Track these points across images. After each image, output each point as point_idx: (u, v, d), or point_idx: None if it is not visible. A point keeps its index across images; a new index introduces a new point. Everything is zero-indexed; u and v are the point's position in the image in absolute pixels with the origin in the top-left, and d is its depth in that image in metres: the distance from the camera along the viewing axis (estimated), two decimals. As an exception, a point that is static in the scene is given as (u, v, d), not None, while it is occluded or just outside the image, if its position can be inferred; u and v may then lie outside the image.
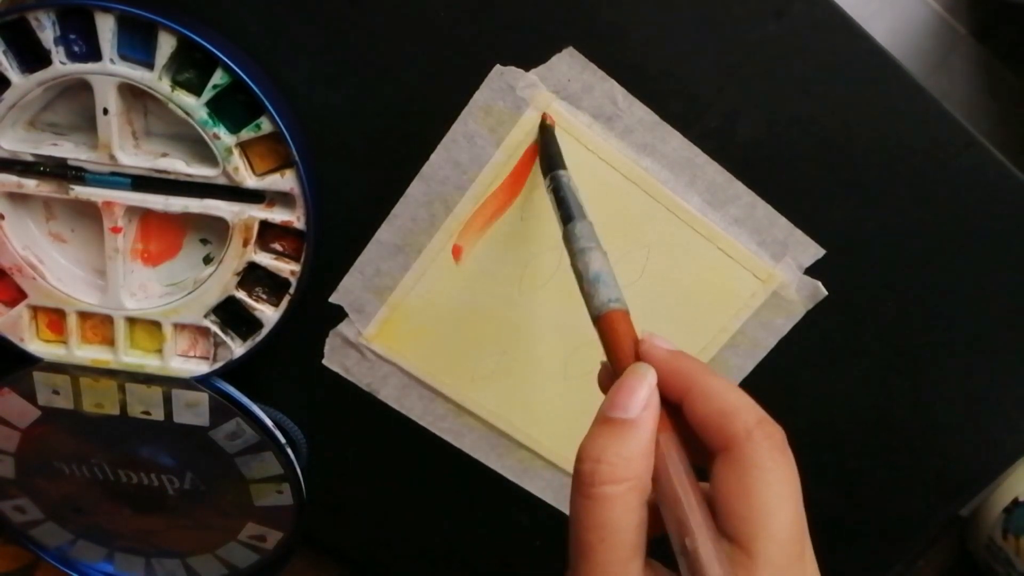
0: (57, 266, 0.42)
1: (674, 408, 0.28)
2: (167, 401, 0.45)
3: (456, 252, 0.44)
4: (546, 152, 0.41)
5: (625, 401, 0.27)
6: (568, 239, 0.34)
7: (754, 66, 0.42)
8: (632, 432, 0.26)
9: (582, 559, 0.26)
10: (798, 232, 0.45)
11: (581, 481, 0.26)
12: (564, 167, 0.39)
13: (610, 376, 0.29)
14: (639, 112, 0.42)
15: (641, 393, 0.27)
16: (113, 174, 0.40)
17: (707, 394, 0.27)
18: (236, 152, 0.39)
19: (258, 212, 0.41)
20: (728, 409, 0.26)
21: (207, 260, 0.44)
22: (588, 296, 0.31)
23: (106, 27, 0.36)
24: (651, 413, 0.27)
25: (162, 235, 0.43)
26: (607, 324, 0.30)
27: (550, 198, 0.37)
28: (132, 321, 0.43)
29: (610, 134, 0.43)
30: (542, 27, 0.41)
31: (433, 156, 0.43)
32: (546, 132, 0.42)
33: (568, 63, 0.41)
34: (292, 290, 0.42)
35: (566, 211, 0.35)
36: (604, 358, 0.30)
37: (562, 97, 0.42)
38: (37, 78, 0.37)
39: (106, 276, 0.42)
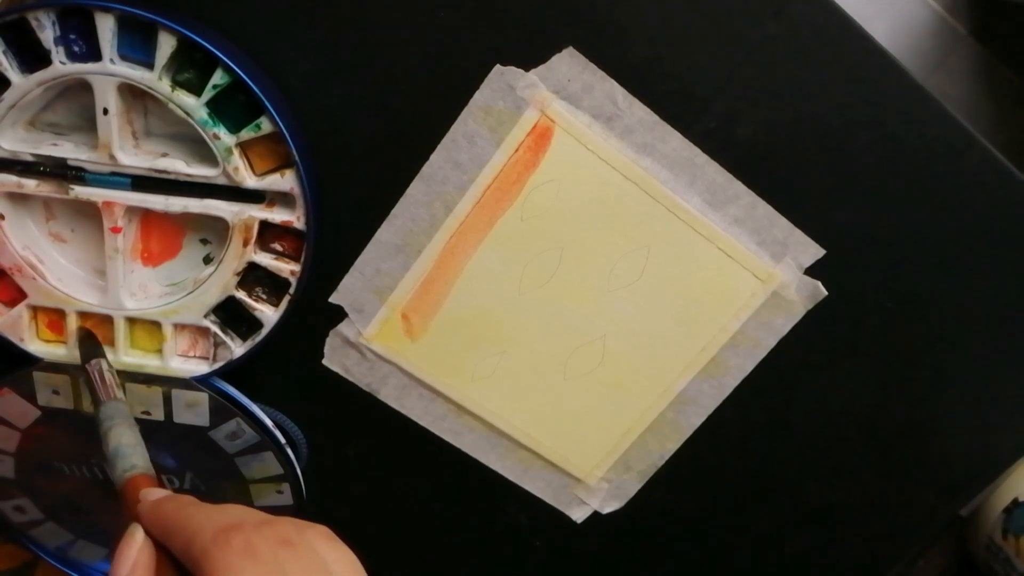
0: (57, 266, 0.42)
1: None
2: (167, 401, 0.45)
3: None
4: (83, 344, 0.43)
5: (118, 568, 0.29)
6: (96, 419, 0.38)
7: (754, 66, 0.42)
8: None
9: None
10: (798, 232, 0.45)
11: None
12: (103, 355, 0.42)
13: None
14: (639, 112, 0.42)
15: (129, 554, 0.29)
16: (113, 174, 0.40)
17: (178, 527, 0.29)
18: (236, 152, 0.39)
19: (258, 212, 0.41)
20: (189, 534, 0.28)
21: (207, 260, 0.44)
22: (110, 468, 0.35)
23: (106, 27, 0.36)
24: (141, 568, 0.29)
25: (162, 235, 0.43)
26: (123, 493, 0.33)
27: (85, 385, 0.41)
28: (132, 321, 0.43)
29: (610, 134, 0.43)
30: (542, 27, 0.41)
31: (433, 156, 0.43)
32: (79, 332, 0.44)
33: (568, 63, 0.41)
34: (292, 290, 0.42)
35: (95, 395, 0.39)
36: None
37: (562, 97, 0.42)
38: (37, 78, 0.37)
39: (106, 276, 0.42)
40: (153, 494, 0.32)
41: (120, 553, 0.30)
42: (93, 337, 0.43)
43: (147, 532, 0.30)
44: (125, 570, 0.29)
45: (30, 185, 0.40)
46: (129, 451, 0.35)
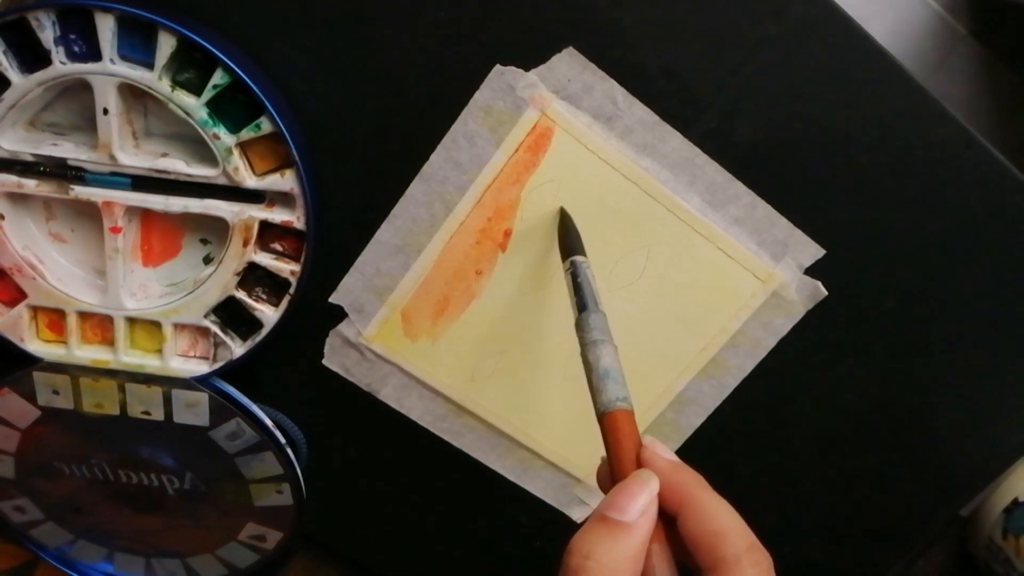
0: (57, 266, 0.42)
1: (668, 519, 0.28)
2: (167, 401, 0.45)
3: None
4: (567, 237, 0.41)
5: (624, 504, 0.27)
6: (581, 328, 0.34)
7: (754, 66, 0.42)
8: (626, 535, 0.27)
9: None
10: (798, 232, 0.45)
11: (567, 574, 0.27)
12: (584, 254, 0.39)
13: (606, 476, 0.30)
14: (639, 112, 0.42)
15: (641, 499, 0.27)
16: (113, 174, 0.40)
17: (702, 512, 0.28)
18: (236, 152, 0.39)
19: (258, 212, 0.41)
20: (720, 531, 0.27)
21: (207, 260, 0.44)
22: (596, 390, 0.31)
23: (106, 27, 0.36)
24: (647, 520, 0.27)
25: (162, 235, 0.43)
26: (612, 423, 0.30)
27: (568, 282, 0.37)
28: (132, 321, 0.43)
29: (610, 134, 0.43)
30: (542, 27, 0.41)
31: (433, 156, 0.43)
32: (567, 219, 0.43)
33: (568, 63, 0.41)
34: (292, 290, 0.42)
35: (582, 299, 0.36)
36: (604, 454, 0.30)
37: (562, 97, 0.42)
38: (37, 78, 0.37)
39: (106, 276, 0.42)
40: (663, 451, 0.29)
41: (630, 492, 0.27)
42: (575, 231, 0.41)
43: None
44: (636, 511, 0.27)
45: (30, 185, 0.40)
46: (620, 378, 0.32)
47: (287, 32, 0.40)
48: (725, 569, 0.26)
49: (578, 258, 0.38)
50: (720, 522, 0.27)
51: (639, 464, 0.29)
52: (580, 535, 0.27)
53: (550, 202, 0.44)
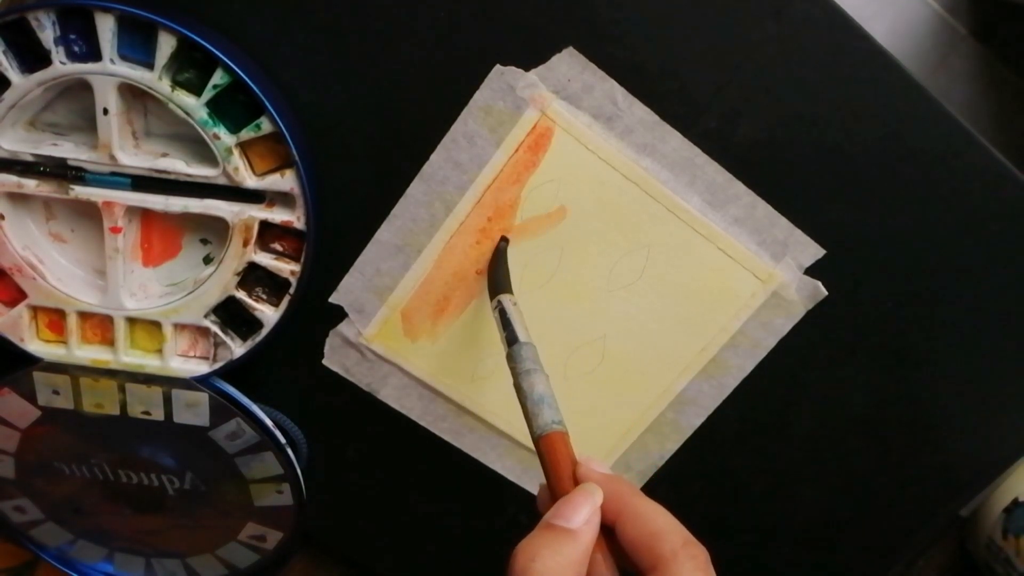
0: (57, 266, 0.42)
1: (606, 529, 0.30)
2: (167, 401, 0.45)
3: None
4: (494, 275, 0.43)
5: (569, 513, 0.29)
6: (513, 360, 0.36)
7: (754, 66, 0.42)
8: (570, 541, 0.28)
9: None
10: (798, 232, 0.45)
11: None
12: (511, 291, 0.41)
13: (547, 496, 0.31)
14: (639, 112, 0.42)
15: (584, 509, 0.29)
16: (113, 174, 0.40)
17: (638, 517, 0.29)
18: (236, 152, 0.39)
19: (258, 212, 0.41)
20: (657, 531, 0.29)
21: (207, 260, 0.44)
22: (531, 416, 0.33)
23: (106, 27, 0.36)
24: (591, 528, 0.29)
25: (162, 235, 0.43)
26: (549, 444, 0.32)
27: (496, 319, 0.39)
28: (132, 321, 0.43)
29: (610, 134, 0.43)
30: (542, 27, 0.41)
31: (433, 156, 0.43)
32: (497, 254, 0.44)
33: (568, 63, 0.41)
34: (292, 290, 0.42)
35: (511, 334, 0.38)
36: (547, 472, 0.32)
37: (562, 97, 0.42)
38: (37, 78, 0.37)
39: (106, 276, 0.42)
40: (598, 466, 0.31)
41: (574, 503, 0.29)
42: (505, 267, 0.43)
43: None
44: (581, 519, 0.29)
45: (30, 185, 0.40)
46: (553, 402, 0.34)
47: (287, 32, 0.40)
48: (664, 566, 0.28)
49: (504, 297, 0.40)
50: (656, 523, 0.29)
51: (576, 480, 0.31)
52: (526, 541, 0.28)
53: (550, 202, 0.44)
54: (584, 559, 0.28)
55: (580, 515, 0.29)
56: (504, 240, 0.44)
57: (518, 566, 0.28)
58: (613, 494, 0.30)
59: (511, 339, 0.37)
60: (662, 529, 0.29)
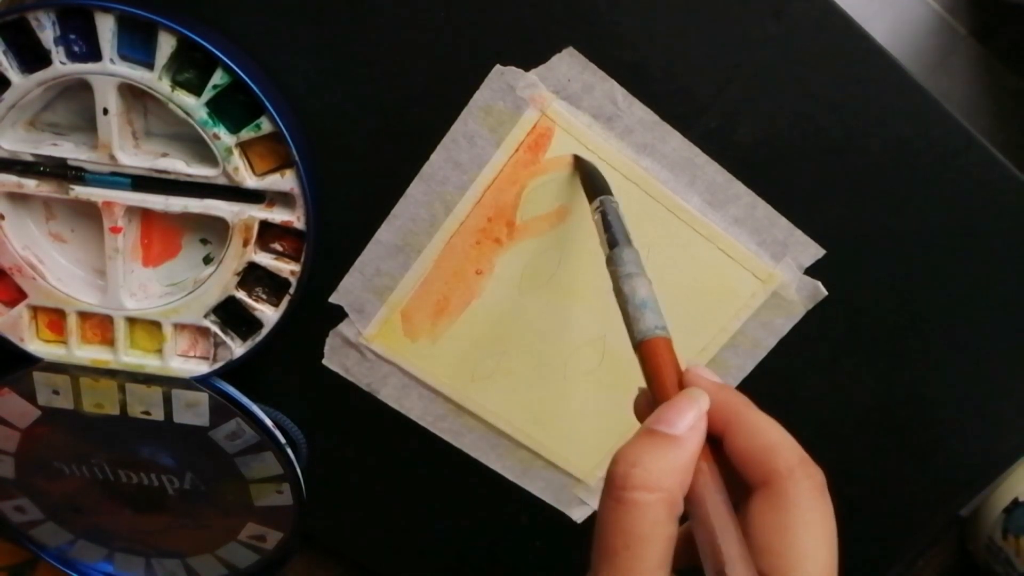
0: (57, 266, 0.42)
1: (714, 441, 0.28)
2: (167, 401, 0.45)
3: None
4: (591, 178, 0.41)
5: (673, 418, 0.27)
6: (615, 263, 0.34)
7: (754, 66, 0.42)
8: (674, 447, 0.26)
9: (604, 563, 0.25)
10: (798, 232, 0.45)
11: (613, 483, 0.26)
12: (611, 193, 0.39)
13: (649, 403, 0.29)
14: (639, 112, 0.42)
15: (690, 414, 0.27)
16: (113, 174, 0.40)
17: (750, 429, 0.27)
18: (236, 152, 0.39)
19: (258, 212, 0.41)
20: (771, 445, 0.26)
21: (207, 260, 0.44)
22: (633, 320, 0.31)
23: (106, 27, 0.36)
24: (696, 435, 0.27)
25: (162, 235, 0.43)
26: (651, 351, 0.30)
27: (597, 221, 0.37)
28: (132, 321, 0.43)
29: (610, 134, 0.43)
30: (542, 27, 0.41)
31: (433, 156, 0.43)
32: (585, 163, 0.42)
33: (568, 63, 0.41)
34: (292, 290, 0.42)
35: (613, 236, 0.35)
36: (643, 384, 0.30)
37: (562, 97, 0.42)
38: (37, 78, 0.37)
39: (106, 276, 0.42)
40: (706, 372, 0.29)
41: (679, 408, 0.27)
42: (597, 171, 0.41)
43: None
44: (686, 424, 0.26)
45: (30, 185, 0.40)
46: (657, 308, 0.31)
47: (287, 32, 0.40)
48: (778, 482, 0.26)
49: (607, 198, 0.38)
50: (770, 436, 0.27)
51: (682, 386, 0.29)
52: (626, 446, 0.26)
53: (550, 202, 0.44)
54: (689, 467, 0.26)
55: (685, 420, 0.26)
56: (577, 158, 0.42)
57: (618, 472, 0.26)
58: (723, 403, 0.28)
59: (612, 241, 0.35)
60: (777, 443, 0.26)
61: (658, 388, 0.29)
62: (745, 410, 0.28)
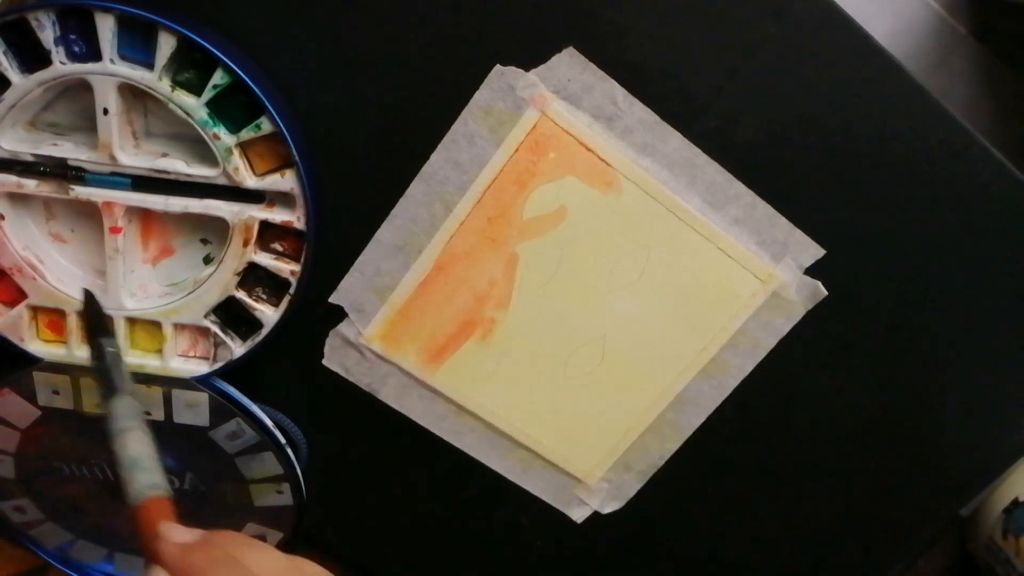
0: (57, 266, 0.42)
1: None
2: (167, 401, 0.45)
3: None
4: (90, 318, 0.40)
5: None
6: (108, 417, 0.34)
7: (754, 66, 0.42)
8: None
9: None
10: (798, 232, 0.45)
11: None
12: (112, 334, 0.39)
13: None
14: (639, 112, 0.42)
15: None
16: (113, 174, 0.40)
17: None
18: (236, 152, 0.39)
19: (258, 212, 0.41)
20: None
21: (207, 260, 0.44)
22: (124, 484, 0.32)
23: (106, 27, 0.36)
24: None
25: (162, 235, 0.43)
26: (134, 516, 0.31)
27: (92, 366, 0.37)
28: (132, 321, 0.43)
29: (610, 134, 0.43)
30: (542, 27, 0.41)
31: (433, 156, 0.43)
32: (90, 299, 0.41)
33: (568, 63, 0.41)
34: (292, 290, 0.42)
35: (107, 385, 0.35)
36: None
37: (562, 97, 0.42)
38: (37, 78, 0.37)
39: (106, 276, 0.42)
40: (177, 534, 0.30)
41: None
42: (100, 311, 0.40)
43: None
44: None
45: (30, 185, 0.40)
46: (150, 465, 0.32)
47: (287, 32, 0.40)
48: None
49: (102, 340, 0.38)
50: None
51: (154, 558, 0.30)
52: None
53: (550, 202, 0.44)
54: None
55: None
56: (87, 293, 0.41)
57: None
58: (193, 569, 0.29)
59: (107, 392, 0.35)
60: None
61: (146, 554, 0.30)
62: (210, 570, 0.28)
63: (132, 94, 0.39)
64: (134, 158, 0.39)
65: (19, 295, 0.42)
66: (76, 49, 0.37)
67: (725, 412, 0.49)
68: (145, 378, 0.44)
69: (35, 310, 0.43)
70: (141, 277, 0.43)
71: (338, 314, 0.46)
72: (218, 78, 0.38)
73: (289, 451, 0.47)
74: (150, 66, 0.37)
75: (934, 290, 0.47)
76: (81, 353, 0.43)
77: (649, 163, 0.43)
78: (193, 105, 0.38)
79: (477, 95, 0.42)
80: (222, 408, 0.45)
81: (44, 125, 0.40)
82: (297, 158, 0.39)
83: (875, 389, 0.50)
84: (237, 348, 0.44)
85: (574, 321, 0.47)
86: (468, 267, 0.45)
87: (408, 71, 0.41)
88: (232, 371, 0.44)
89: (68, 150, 0.39)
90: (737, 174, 0.44)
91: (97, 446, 0.47)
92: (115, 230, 0.41)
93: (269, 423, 0.46)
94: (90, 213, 0.41)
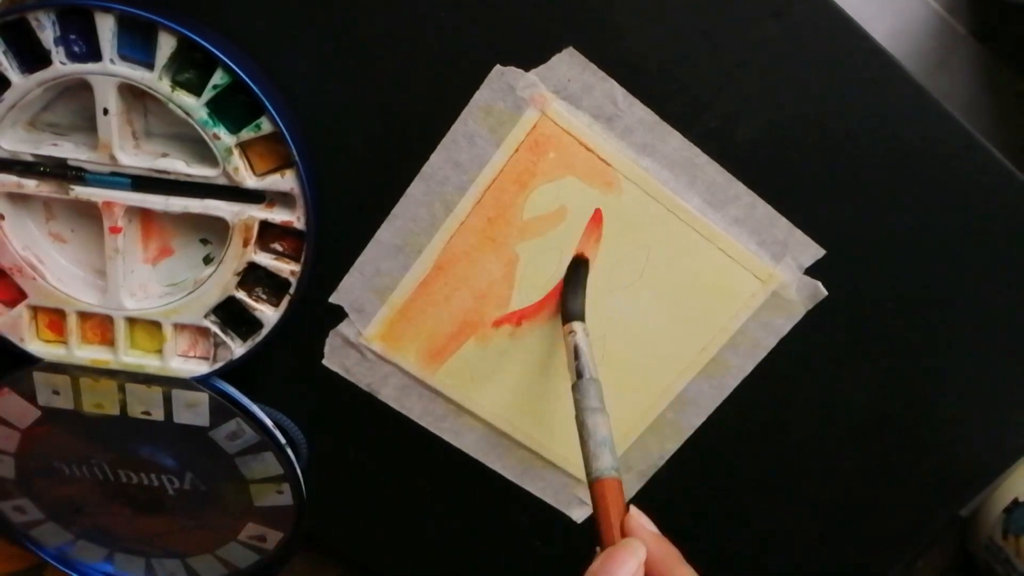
0: (57, 266, 0.42)
1: None
2: (167, 401, 0.45)
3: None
4: (569, 297, 0.43)
5: (614, 570, 0.30)
6: (579, 394, 0.38)
7: (754, 66, 0.42)
8: None
9: None
10: (798, 232, 0.45)
11: None
12: (583, 318, 0.42)
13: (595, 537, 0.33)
14: (639, 112, 0.42)
15: (629, 566, 0.30)
16: (113, 174, 0.40)
17: None
18: (236, 152, 0.39)
19: (258, 212, 0.41)
20: None
21: (207, 260, 0.44)
22: (593, 456, 0.34)
23: (106, 27, 0.36)
24: None
25: (162, 235, 0.43)
26: (603, 490, 0.34)
27: (568, 346, 0.40)
28: (132, 321, 0.43)
29: (610, 134, 0.43)
30: (542, 27, 0.41)
31: (433, 156, 0.43)
32: (574, 272, 0.44)
33: (568, 63, 0.41)
34: (292, 290, 0.42)
35: (581, 366, 0.39)
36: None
37: (562, 97, 0.42)
38: (37, 78, 0.37)
39: (106, 276, 0.42)
40: (647, 524, 0.32)
41: (620, 560, 0.30)
42: (581, 289, 0.43)
43: None
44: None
45: (30, 185, 0.40)
46: (613, 448, 0.35)
47: (287, 32, 0.40)
48: None
49: (578, 324, 0.41)
50: None
51: (624, 532, 0.32)
52: None
53: (550, 202, 0.44)
54: None
55: (624, 573, 0.30)
56: (581, 258, 0.44)
57: None
58: (661, 558, 0.31)
59: (579, 372, 0.38)
60: None
61: (604, 528, 0.33)
62: (678, 567, 0.31)
63: (132, 94, 0.39)
64: (134, 158, 0.39)
65: (19, 295, 0.42)
66: (76, 49, 0.37)
67: (725, 412, 0.49)
68: (145, 378, 0.44)
69: (35, 310, 0.43)
70: (141, 277, 0.43)
71: (338, 314, 0.46)
72: (218, 78, 0.38)
73: (289, 451, 0.47)
74: (150, 66, 0.37)
75: (934, 290, 0.47)
76: (81, 353, 0.43)
77: (649, 163, 0.43)
78: (193, 105, 0.38)
79: (477, 95, 0.42)
80: (222, 408, 0.45)
81: (44, 125, 0.40)
82: (297, 158, 0.39)
83: (875, 389, 0.50)
84: (237, 348, 0.44)
85: (574, 321, 0.47)
86: (468, 267, 0.45)
87: (408, 71, 0.41)
88: (232, 371, 0.44)
89: (68, 150, 0.39)
90: (737, 174, 0.44)
91: (97, 446, 0.47)
92: (115, 230, 0.41)
93: (269, 423, 0.46)
94: (90, 213, 0.41)
